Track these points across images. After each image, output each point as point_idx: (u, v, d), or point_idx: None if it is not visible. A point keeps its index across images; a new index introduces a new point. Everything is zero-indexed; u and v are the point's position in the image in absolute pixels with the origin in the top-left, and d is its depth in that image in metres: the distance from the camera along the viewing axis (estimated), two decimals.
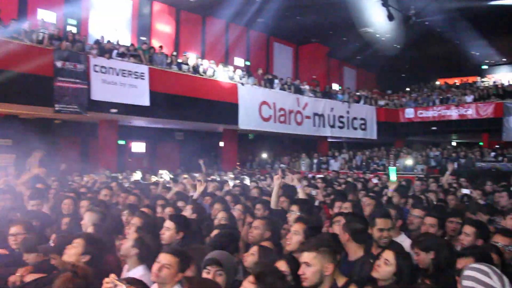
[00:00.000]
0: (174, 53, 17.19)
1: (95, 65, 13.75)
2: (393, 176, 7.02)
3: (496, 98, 22.27)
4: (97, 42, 14.84)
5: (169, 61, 16.30)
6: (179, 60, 17.00)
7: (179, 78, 16.09)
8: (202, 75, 16.95)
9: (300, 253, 2.91)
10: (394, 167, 6.75)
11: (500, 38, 24.52)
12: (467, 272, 2.31)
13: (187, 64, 16.74)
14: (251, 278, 2.52)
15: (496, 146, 21.09)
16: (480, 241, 3.90)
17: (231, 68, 18.62)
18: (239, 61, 23.23)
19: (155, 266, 3.00)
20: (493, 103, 21.93)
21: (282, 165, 19.61)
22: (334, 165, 19.92)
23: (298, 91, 20.71)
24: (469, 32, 22.72)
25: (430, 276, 3.28)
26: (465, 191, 8.58)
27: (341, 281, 2.99)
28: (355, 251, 3.66)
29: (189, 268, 3.19)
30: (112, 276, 2.49)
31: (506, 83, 24.40)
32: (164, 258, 3.02)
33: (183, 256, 3.11)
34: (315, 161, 20.59)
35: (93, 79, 13.68)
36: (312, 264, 2.82)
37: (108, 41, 15.08)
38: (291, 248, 3.62)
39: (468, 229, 4.01)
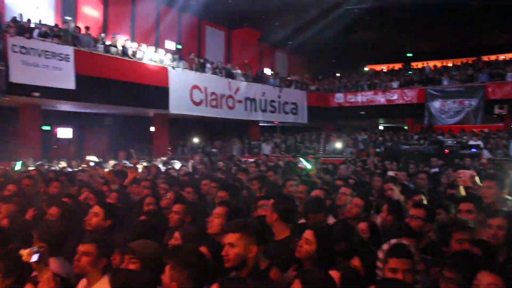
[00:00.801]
0: (102, 35, 16.57)
1: (14, 45, 12.84)
2: (307, 165, 7.11)
3: (419, 84, 23.32)
4: (14, 20, 13.91)
5: (97, 43, 15.69)
6: (107, 43, 16.42)
7: (107, 61, 15.50)
8: (132, 58, 16.47)
9: (225, 234, 2.91)
10: (304, 158, 6.80)
11: (425, 28, 25.54)
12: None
13: (115, 46, 16.19)
14: (167, 262, 2.50)
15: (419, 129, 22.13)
16: (390, 216, 4.17)
17: (161, 51, 18.23)
18: (170, 45, 22.77)
19: (76, 257, 2.95)
20: (417, 89, 22.96)
21: (213, 150, 19.57)
22: (266, 149, 20.10)
23: (230, 75, 20.65)
24: (396, 21, 23.56)
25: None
26: (391, 173, 8.92)
27: (263, 264, 3.02)
28: (282, 231, 3.69)
29: (113, 256, 3.14)
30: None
31: (428, 71, 25.58)
32: (82, 247, 2.98)
33: (102, 243, 3.06)
34: (246, 145, 20.69)
35: (11, 60, 12.77)
36: (236, 245, 2.80)
37: (28, 20, 14.24)
38: (212, 231, 3.59)
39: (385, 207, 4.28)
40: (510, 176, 5.84)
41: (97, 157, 14.25)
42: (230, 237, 2.84)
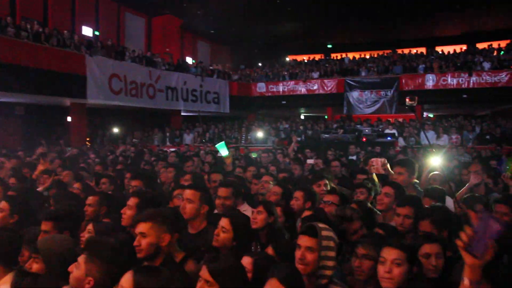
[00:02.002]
0: (9, 18, 15.53)
1: None
2: (224, 151, 7.09)
3: (338, 75, 24.00)
4: None
5: (7, 27, 14.68)
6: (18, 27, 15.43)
7: (17, 46, 14.57)
8: (45, 44, 15.60)
9: (136, 224, 2.80)
10: (222, 142, 6.77)
11: (344, 21, 26.29)
12: (323, 233, 2.53)
13: (26, 31, 15.26)
14: (81, 257, 2.39)
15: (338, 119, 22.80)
16: (308, 203, 4.22)
17: (78, 37, 17.43)
18: (87, 31, 21.83)
19: None
20: (336, 80, 23.60)
21: (134, 140, 19.06)
22: (187, 138, 19.87)
23: (151, 63, 20.16)
24: (317, 13, 24.04)
25: (271, 242, 3.38)
26: (310, 161, 9.13)
27: (179, 256, 2.95)
28: (200, 223, 3.63)
29: (21, 253, 2.99)
30: None
31: (347, 62, 26.38)
32: None
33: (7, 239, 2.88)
34: (168, 134, 20.35)
35: None
36: (147, 234, 2.73)
37: None
38: (125, 224, 3.49)
39: (297, 193, 4.32)
40: (420, 162, 6.10)
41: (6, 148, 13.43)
42: (141, 227, 2.76)
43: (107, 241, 2.59)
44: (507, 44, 25.11)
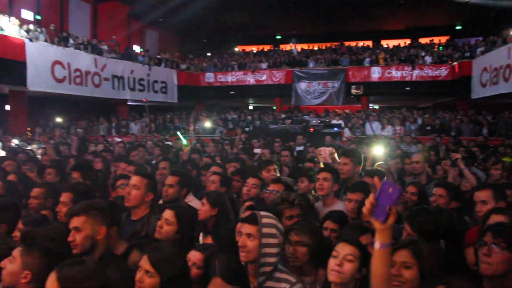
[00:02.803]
0: None
1: None
2: (183, 141, 7.12)
3: (287, 66, 24.17)
4: None
5: None
6: None
7: None
8: None
9: (69, 219, 2.70)
10: (178, 132, 6.86)
11: (292, 11, 26.42)
12: (264, 220, 2.52)
13: None
14: (15, 251, 2.28)
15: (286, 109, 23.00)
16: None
17: (16, 21, 16.62)
18: (27, 14, 20.84)
19: None
20: (285, 71, 23.77)
21: (79, 130, 18.49)
22: (134, 128, 19.49)
23: (96, 51, 19.56)
24: (266, 3, 24.08)
25: (210, 232, 3.37)
26: (257, 150, 9.20)
27: (121, 247, 2.88)
28: (141, 210, 3.57)
29: None
30: None
31: (295, 53, 26.61)
32: None
33: None
34: (114, 124, 19.87)
35: None
36: (82, 228, 2.63)
37: None
38: (64, 220, 3.32)
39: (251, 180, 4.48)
40: (365, 152, 6.24)
41: None
42: (75, 221, 2.66)
43: (44, 232, 2.49)
44: (447, 40, 26.16)
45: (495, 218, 3.02)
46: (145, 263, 2.28)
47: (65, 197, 3.46)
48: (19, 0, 20.37)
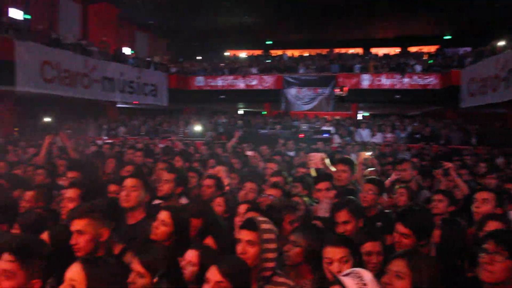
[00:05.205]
0: None
1: None
2: None
3: (277, 71, 24.22)
4: None
5: None
6: None
7: None
8: None
9: (71, 221, 2.66)
10: None
11: (284, 17, 26.51)
12: (263, 226, 2.54)
13: None
14: (6, 255, 2.17)
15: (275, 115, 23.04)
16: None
17: (5, 19, 16.46)
18: (16, 13, 20.62)
19: None
20: (275, 76, 23.81)
21: (67, 131, 18.32)
22: (123, 131, 19.38)
23: (86, 52, 19.43)
24: (257, 8, 24.13)
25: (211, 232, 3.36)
26: (249, 153, 9.32)
27: (117, 248, 2.86)
28: (138, 214, 3.55)
29: None
30: None
31: (286, 59, 26.69)
32: None
33: None
34: (104, 126, 19.74)
35: None
36: (85, 231, 2.60)
37: None
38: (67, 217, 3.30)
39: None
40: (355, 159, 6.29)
41: None
42: (78, 224, 2.62)
43: (41, 239, 2.44)
44: (436, 49, 26.43)
45: (492, 225, 3.04)
46: (136, 265, 2.28)
47: (71, 193, 3.42)
48: None
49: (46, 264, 2.24)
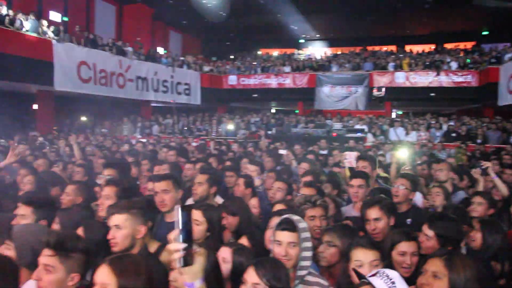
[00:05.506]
0: None
1: None
2: None
3: (310, 70, 24.11)
4: None
5: None
6: None
7: None
8: (9, 27, 15.07)
9: (110, 216, 2.71)
10: None
11: (315, 15, 26.38)
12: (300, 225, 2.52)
13: None
14: (47, 251, 2.26)
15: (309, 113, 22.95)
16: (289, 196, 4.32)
17: (45, 22, 16.92)
18: (55, 16, 21.21)
19: None
20: (308, 75, 23.71)
21: (103, 130, 18.73)
22: (157, 129, 19.65)
23: (121, 52, 19.79)
24: (289, 7, 24.04)
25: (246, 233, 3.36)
26: (282, 151, 9.30)
27: (153, 246, 2.89)
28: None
29: None
30: None
31: (319, 57, 26.54)
32: None
33: None
34: (138, 125, 20.07)
35: None
36: (123, 226, 2.64)
37: None
38: (104, 214, 3.35)
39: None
40: (387, 157, 6.22)
41: None
42: (116, 219, 2.67)
43: (76, 235, 2.50)
44: (473, 46, 25.78)
45: None
46: None
47: (108, 190, 3.49)
48: (48, 2, 20.77)
49: (84, 258, 2.31)
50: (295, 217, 2.58)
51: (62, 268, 2.24)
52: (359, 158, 5.27)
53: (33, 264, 2.32)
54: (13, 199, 4.08)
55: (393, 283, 1.92)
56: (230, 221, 3.49)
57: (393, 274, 1.99)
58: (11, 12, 15.78)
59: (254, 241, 3.07)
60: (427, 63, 22.25)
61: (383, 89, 18.25)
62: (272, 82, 24.27)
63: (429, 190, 4.75)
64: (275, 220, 3.36)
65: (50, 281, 2.22)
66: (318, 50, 29.66)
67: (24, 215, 3.13)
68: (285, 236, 2.50)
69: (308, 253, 2.50)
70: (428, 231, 3.01)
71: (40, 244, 2.47)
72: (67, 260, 2.25)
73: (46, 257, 2.23)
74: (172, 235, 1.78)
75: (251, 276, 2.16)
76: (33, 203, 3.20)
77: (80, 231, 2.76)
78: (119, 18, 25.97)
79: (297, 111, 25.65)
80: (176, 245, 1.75)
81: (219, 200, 4.42)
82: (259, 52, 32.54)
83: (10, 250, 2.58)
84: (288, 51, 31.02)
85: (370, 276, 2.00)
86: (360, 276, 2.09)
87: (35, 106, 18.49)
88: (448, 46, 26.59)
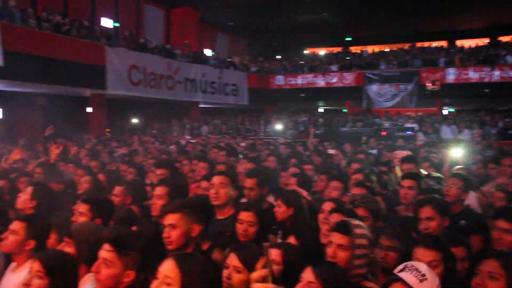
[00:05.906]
0: (30, 10, 15.63)
1: None
2: None
3: (357, 68, 23.80)
4: None
5: (28, 18, 14.78)
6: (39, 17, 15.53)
7: (39, 37, 14.70)
8: (66, 35, 15.66)
9: (164, 216, 2.77)
10: None
11: (363, 14, 26.01)
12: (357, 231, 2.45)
13: (47, 21, 15.36)
14: (107, 246, 2.33)
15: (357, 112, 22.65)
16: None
17: (97, 28, 17.51)
18: (107, 22, 21.93)
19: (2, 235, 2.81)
20: (355, 73, 23.42)
21: (153, 131, 19.16)
22: (206, 130, 19.92)
23: (169, 55, 20.19)
24: (336, 5, 23.84)
25: (290, 231, 3.35)
26: (331, 151, 9.30)
27: (205, 245, 2.91)
28: (229, 209, 3.64)
29: (50, 237, 2.98)
30: None
31: (366, 55, 26.14)
32: (12, 224, 2.82)
33: (32, 221, 2.86)
34: (187, 126, 20.41)
35: None
36: (177, 225, 2.67)
37: None
38: (156, 213, 3.42)
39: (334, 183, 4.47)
40: (440, 156, 6.07)
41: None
42: (170, 218, 2.70)
43: (136, 232, 2.57)
44: None
45: None
46: (234, 260, 2.31)
47: (159, 190, 3.55)
48: (100, 9, 21.48)
49: (140, 257, 2.37)
50: (355, 222, 2.52)
51: (119, 264, 2.29)
52: (404, 161, 5.18)
53: (91, 260, 2.40)
54: (72, 198, 4.25)
55: (423, 275, 1.90)
56: (283, 210, 3.48)
57: (422, 267, 1.97)
58: (66, 21, 16.40)
59: (302, 240, 3.04)
60: (481, 58, 21.49)
61: (437, 83, 17.72)
62: (320, 81, 24.11)
63: (489, 193, 4.59)
64: (327, 204, 3.35)
65: (107, 275, 2.29)
66: (365, 47, 29.18)
67: (82, 212, 3.24)
68: (336, 238, 2.45)
69: (363, 261, 2.42)
70: (505, 225, 2.86)
71: (97, 241, 2.56)
72: (124, 257, 2.31)
73: (106, 252, 2.30)
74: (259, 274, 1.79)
75: (308, 275, 2.14)
76: (91, 202, 3.31)
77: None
78: (167, 22, 26.50)
79: (345, 110, 25.37)
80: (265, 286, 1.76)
81: (271, 199, 4.42)
82: (306, 52, 32.38)
83: (70, 247, 2.68)
84: (335, 49, 30.72)
85: (399, 272, 1.96)
86: (393, 274, 2.04)
87: (89, 109, 19.12)
88: (504, 39, 25.56)
